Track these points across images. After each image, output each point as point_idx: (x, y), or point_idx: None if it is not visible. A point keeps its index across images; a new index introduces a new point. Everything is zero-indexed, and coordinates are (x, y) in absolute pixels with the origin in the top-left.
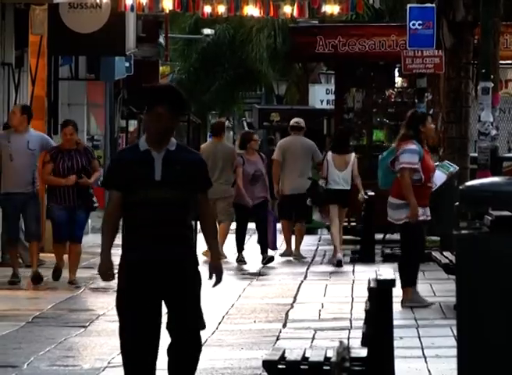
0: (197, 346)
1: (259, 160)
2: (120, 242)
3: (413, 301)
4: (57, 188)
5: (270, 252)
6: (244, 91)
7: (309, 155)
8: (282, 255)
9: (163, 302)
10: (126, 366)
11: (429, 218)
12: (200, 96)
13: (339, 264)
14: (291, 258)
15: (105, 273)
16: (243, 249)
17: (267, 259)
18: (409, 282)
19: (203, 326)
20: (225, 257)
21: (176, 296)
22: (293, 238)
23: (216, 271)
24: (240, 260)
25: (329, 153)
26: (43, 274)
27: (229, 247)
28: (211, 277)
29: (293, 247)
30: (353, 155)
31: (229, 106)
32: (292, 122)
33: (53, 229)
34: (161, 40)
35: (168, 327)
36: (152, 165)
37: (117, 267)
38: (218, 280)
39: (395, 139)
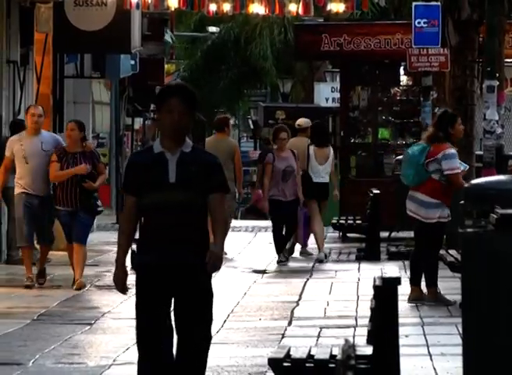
0: (200, 369)
1: (291, 156)
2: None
3: (439, 300)
4: (61, 191)
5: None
6: (249, 89)
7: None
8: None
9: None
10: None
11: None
12: (205, 94)
13: (320, 261)
14: (297, 255)
15: (120, 284)
16: (281, 250)
17: (280, 261)
18: (434, 281)
19: (206, 348)
20: (225, 253)
21: (185, 308)
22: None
23: (214, 255)
24: (280, 261)
25: (311, 147)
26: (49, 272)
27: (229, 244)
28: (209, 261)
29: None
30: (331, 148)
31: (234, 104)
32: (296, 124)
33: (63, 231)
34: (167, 38)
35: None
36: (166, 167)
37: (131, 272)
38: (215, 266)
39: (422, 137)
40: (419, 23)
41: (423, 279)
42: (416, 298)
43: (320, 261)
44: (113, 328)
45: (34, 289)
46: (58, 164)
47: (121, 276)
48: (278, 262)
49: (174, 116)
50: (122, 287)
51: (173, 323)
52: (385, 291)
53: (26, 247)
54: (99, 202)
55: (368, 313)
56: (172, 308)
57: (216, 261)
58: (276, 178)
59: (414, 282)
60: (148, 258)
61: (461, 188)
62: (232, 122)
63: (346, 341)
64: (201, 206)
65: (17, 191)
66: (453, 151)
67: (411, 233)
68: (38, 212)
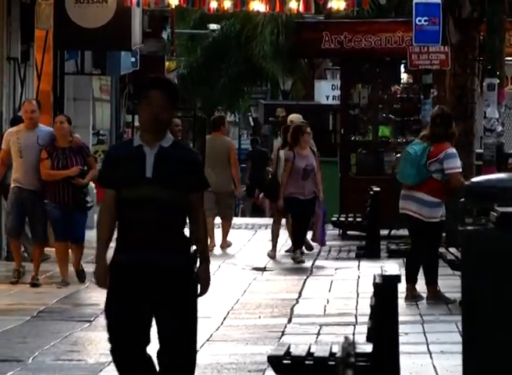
0: None
1: (311, 154)
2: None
3: (439, 298)
4: (51, 186)
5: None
6: (250, 86)
7: None
8: (288, 251)
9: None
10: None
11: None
12: (206, 91)
13: (272, 257)
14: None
15: (101, 279)
16: (299, 247)
17: (298, 260)
18: (435, 280)
19: (192, 364)
20: (230, 244)
21: (166, 315)
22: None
23: (203, 280)
24: (300, 261)
25: (282, 151)
26: (48, 268)
27: (234, 240)
28: (201, 287)
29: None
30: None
31: (234, 101)
32: (288, 120)
33: (52, 226)
34: (164, 35)
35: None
36: (143, 161)
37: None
38: (204, 290)
39: (420, 136)
40: (420, 20)
41: (419, 278)
42: (414, 296)
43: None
44: None
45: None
46: (49, 161)
47: (102, 271)
48: (296, 260)
49: (153, 109)
50: (103, 283)
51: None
52: (385, 289)
53: (13, 239)
54: (89, 198)
55: (368, 311)
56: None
57: (205, 284)
58: (296, 176)
59: (411, 281)
60: (122, 258)
61: (461, 187)
62: (232, 119)
63: (346, 338)
64: (180, 204)
65: (12, 185)
66: (454, 150)
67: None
68: (29, 206)
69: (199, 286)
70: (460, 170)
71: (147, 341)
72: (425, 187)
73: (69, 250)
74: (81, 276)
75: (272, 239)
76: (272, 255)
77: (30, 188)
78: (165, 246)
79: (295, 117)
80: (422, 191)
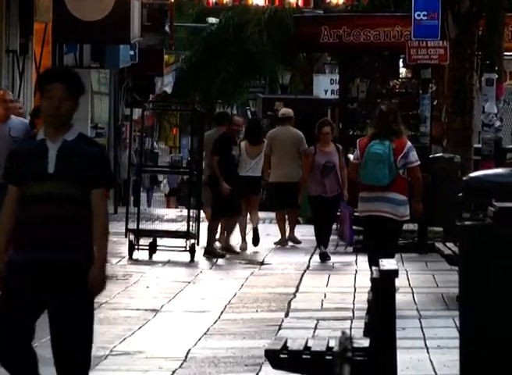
0: None
1: (334, 151)
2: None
3: None
4: None
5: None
6: (248, 80)
7: (296, 145)
8: (276, 243)
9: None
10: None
11: None
12: (205, 85)
13: (243, 249)
14: (289, 245)
15: None
16: (321, 243)
17: (324, 256)
18: None
19: (85, 362)
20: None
21: (58, 311)
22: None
23: (92, 280)
24: (326, 257)
25: (242, 143)
26: None
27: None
28: (91, 286)
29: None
30: (265, 144)
31: (233, 95)
32: (280, 113)
33: None
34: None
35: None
36: (46, 156)
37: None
38: (95, 290)
39: (371, 135)
40: (419, 15)
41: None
42: None
43: (242, 249)
44: (110, 319)
45: None
46: None
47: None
48: (322, 257)
49: (54, 102)
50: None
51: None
52: (383, 284)
53: None
54: None
55: (365, 305)
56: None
57: (97, 284)
58: (315, 173)
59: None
60: (17, 257)
61: (421, 181)
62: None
63: (343, 333)
64: (81, 200)
65: None
66: (410, 143)
67: (409, 226)
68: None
69: (90, 284)
70: (419, 163)
71: (31, 336)
72: (395, 187)
73: None
74: None
75: (240, 231)
76: (244, 247)
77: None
78: (63, 243)
79: (287, 111)
80: (394, 191)
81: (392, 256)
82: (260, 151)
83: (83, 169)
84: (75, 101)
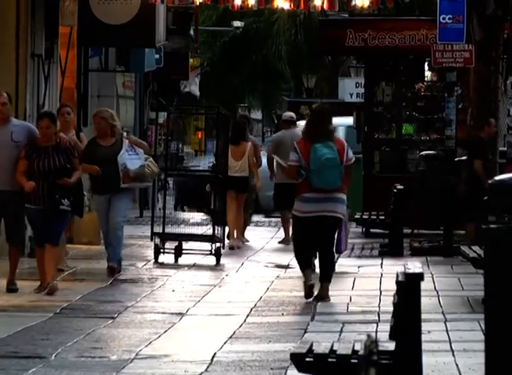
0: None
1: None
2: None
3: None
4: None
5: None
6: (273, 84)
7: None
8: (280, 242)
9: None
10: None
11: None
12: (229, 88)
13: (231, 248)
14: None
15: None
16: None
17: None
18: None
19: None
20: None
21: None
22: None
23: None
24: None
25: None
26: (70, 265)
27: (253, 239)
28: None
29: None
30: (249, 144)
31: (258, 99)
32: (285, 116)
33: (33, 232)
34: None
35: None
36: None
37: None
38: None
39: (308, 137)
40: (444, 18)
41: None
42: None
43: (231, 248)
44: (136, 322)
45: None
46: (25, 163)
47: None
48: None
49: None
50: None
51: None
52: (408, 287)
53: None
54: (66, 200)
55: (391, 309)
56: None
57: None
58: None
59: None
60: None
61: (351, 178)
62: (256, 116)
63: (369, 336)
64: None
65: None
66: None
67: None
68: (2, 208)
69: None
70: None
71: None
72: (342, 187)
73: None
74: (50, 292)
75: (229, 228)
76: (236, 244)
77: (5, 189)
78: None
79: (290, 114)
80: (341, 191)
81: (332, 252)
82: (244, 151)
83: None
84: None
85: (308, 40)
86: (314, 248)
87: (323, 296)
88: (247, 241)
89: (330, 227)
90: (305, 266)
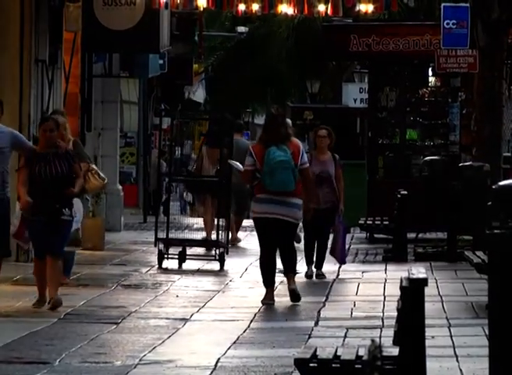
0: None
1: (329, 160)
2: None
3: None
4: (34, 199)
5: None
6: (275, 89)
7: None
8: None
9: None
10: None
11: None
12: (233, 94)
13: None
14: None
15: None
16: (310, 263)
17: (316, 275)
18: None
19: None
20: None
21: None
22: None
23: None
24: (318, 275)
25: (204, 147)
26: (77, 270)
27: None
28: None
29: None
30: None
31: (262, 104)
32: None
33: (33, 244)
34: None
35: None
36: None
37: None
38: None
39: (263, 141)
40: (448, 24)
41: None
42: (271, 299)
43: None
44: (139, 327)
45: (61, 288)
46: (25, 171)
47: None
48: (318, 277)
49: None
50: None
51: None
52: (412, 292)
53: None
54: (67, 210)
55: (395, 314)
56: None
57: None
58: None
59: (271, 283)
60: None
61: (312, 183)
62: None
63: (373, 341)
64: None
65: None
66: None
67: (439, 235)
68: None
69: None
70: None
71: None
72: (297, 191)
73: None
74: (54, 307)
75: (206, 230)
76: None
77: None
78: None
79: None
80: (296, 196)
81: (292, 245)
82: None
83: None
84: None
85: (303, 43)
86: (276, 247)
87: (294, 288)
88: (240, 241)
89: (285, 230)
90: (268, 283)
